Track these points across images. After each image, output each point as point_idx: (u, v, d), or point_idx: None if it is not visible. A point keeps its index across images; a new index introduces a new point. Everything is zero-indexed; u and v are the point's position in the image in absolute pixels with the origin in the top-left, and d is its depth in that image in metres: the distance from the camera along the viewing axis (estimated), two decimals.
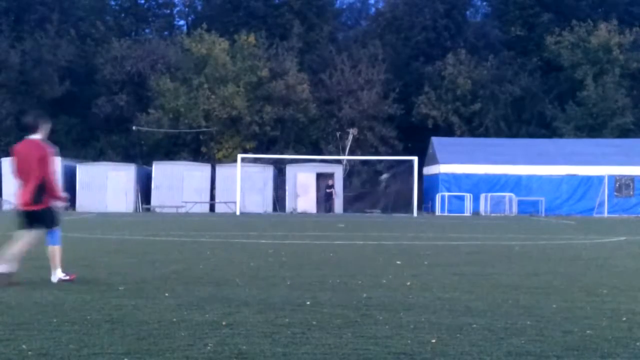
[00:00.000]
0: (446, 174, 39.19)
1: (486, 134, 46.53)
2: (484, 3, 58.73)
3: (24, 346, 5.39)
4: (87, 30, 49.48)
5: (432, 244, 16.13)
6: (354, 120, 45.06)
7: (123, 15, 51.41)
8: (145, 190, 40.00)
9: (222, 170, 39.99)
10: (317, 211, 39.42)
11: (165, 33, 52.51)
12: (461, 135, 46.44)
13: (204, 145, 44.83)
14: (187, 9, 57.58)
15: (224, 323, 6.32)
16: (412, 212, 37.10)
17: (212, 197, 40.25)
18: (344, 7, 62.05)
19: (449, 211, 37.91)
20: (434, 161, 40.59)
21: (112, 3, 53.52)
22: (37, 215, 8.65)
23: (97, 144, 46.54)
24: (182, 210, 38.47)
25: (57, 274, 8.83)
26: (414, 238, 18.41)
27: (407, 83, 48.05)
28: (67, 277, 8.85)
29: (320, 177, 40.38)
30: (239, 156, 38.20)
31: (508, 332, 6.06)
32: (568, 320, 6.66)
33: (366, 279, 9.43)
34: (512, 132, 47.03)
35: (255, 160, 41.14)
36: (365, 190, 43.41)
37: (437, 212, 38.35)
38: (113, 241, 16.42)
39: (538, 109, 47.94)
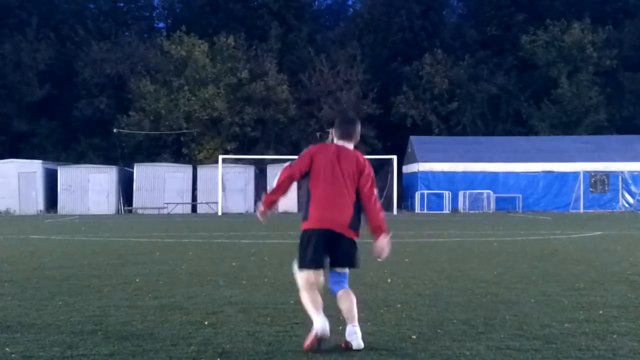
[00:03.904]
0: (425, 172, 39.43)
1: (463, 133, 46.87)
2: (460, 3, 59.10)
3: (7, 349, 5.40)
4: (67, 33, 49.14)
5: (412, 241, 16.25)
6: (334, 121, 45.14)
7: (102, 18, 51.09)
8: (127, 192, 39.86)
9: (203, 171, 39.95)
10: (299, 211, 39.48)
11: (145, 36, 52.27)
12: (439, 134, 46.74)
13: (185, 147, 44.75)
14: (166, 12, 57.41)
15: (206, 323, 6.37)
16: (392, 210, 37.27)
17: (194, 198, 40.19)
18: (322, 8, 62.17)
19: (428, 209, 38.14)
20: (413, 160, 40.82)
21: (92, 6, 53.16)
22: None
23: (78, 147, 46.29)
24: (164, 211, 38.38)
25: None
26: (394, 236, 18.49)
27: (386, 83, 48.25)
28: None
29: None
30: (220, 157, 38.17)
31: (487, 327, 6.15)
32: (546, 314, 6.77)
33: (348, 277, 9.49)
34: (489, 130, 47.40)
35: (236, 161, 41.11)
36: None
37: (417, 209, 38.55)
38: (96, 243, 16.37)
39: (514, 107, 48.35)
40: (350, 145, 5.82)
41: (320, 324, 5.38)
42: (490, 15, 51.35)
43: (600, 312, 6.89)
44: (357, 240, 5.68)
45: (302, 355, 5.19)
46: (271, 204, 5.71)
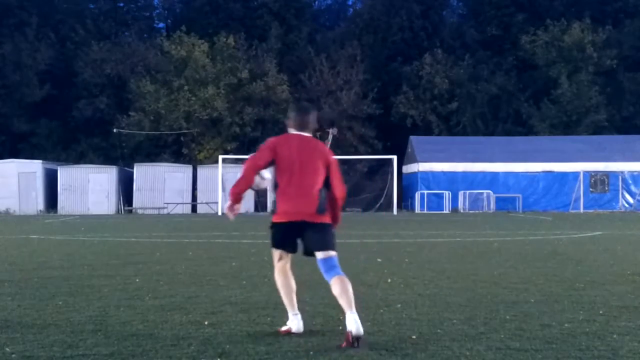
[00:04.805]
0: (425, 172, 39.46)
1: (463, 133, 46.89)
2: (460, 3, 59.12)
3: (7, 349, 5.40)
4: (67, 33, 49.19)
5: (412, 241, 16.25)
6: (334, 121, 45.19)
7: (102, 18, 51.14)
8: (127, 192, 39.89)
9: (203, 171, 39.98)
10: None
11: (145, 36, 52.31)
12: (439, 134, 46.76)
13: (185, 147, 44.78)
14: (166, 12, 57.47)
15: (206, 323, 6.37)
16: (392, 210, 37.28)
17: (194, 198, 40.21)
18: (322, 8, 62.20)
19: (428, 209, 38.16)
20: (413, 160, 40.85)
21: (92, 6, 53.22)
22: None
23: (78, 147, 46.33)
24: (164, 211, 38.40)
25: None
26: (394, 236, 18.52)
27: (386, 83, 48.26)
28: None
29: None
30: (220, 157, 38.19)
31: (488, 327, 6.15)
32: (546, 314, 6.77)
33: (347, 277, 9.49)
34: (489, 130, 47.43)
35: (236, 161, 41.13)
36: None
37: (417, 209, 38.57)
38: (96, 243, 16.38)
39: (514, 107, 48.38)
40: (308, 135, 5.95)
41: (295, 324, 5.88)
42: (490, 15, 51.36)
43: (600, 312, 6.89)
44: (330, 222, 5.83)
45: (302, 356, 5.19)
46: (237, 196, 5.84)
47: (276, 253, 5.94)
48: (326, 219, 5.78)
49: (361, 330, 5.39)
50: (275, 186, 5.84)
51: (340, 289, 5.59)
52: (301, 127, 5.94)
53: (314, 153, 5.83)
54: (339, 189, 5.88)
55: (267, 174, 5.90)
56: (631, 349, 5.40)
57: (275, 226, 5.83)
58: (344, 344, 5.44)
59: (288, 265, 5.95)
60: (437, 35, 51.20)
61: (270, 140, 5.96)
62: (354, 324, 5.39)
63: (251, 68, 45.48)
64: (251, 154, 6.02)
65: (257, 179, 5.86)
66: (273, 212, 5.89)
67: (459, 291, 8.24)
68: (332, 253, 5.73)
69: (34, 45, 46.62)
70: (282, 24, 50.12)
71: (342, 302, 5.55)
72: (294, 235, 5.80)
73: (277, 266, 5.96)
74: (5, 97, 45.92)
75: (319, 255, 5.72)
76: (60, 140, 46.94)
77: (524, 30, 48.91)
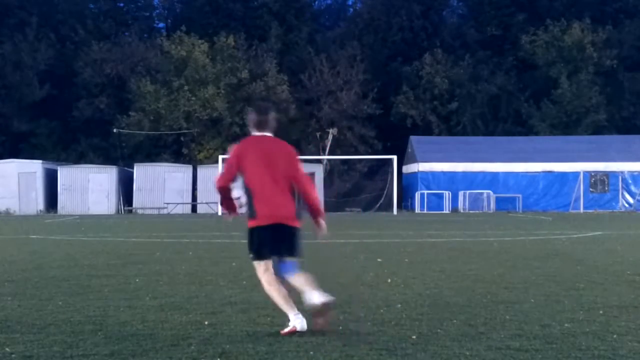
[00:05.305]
0: (425, 172, 39.46)
1: (463, 133, 46.91)
2: (460, 3, 59.15)
3: (7, 349, 5.40)
4: (67, 33, 49.22)
5: (412, 241, 16.25)
6: (334, 121, 45.22)
7: (102, 18, 51.17)
8: (127, 192, 39.90)
9: (203, 171, 39.98)
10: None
11: (145, 36, 52.34)
12: (439, 134, 46.78)
13: (185, 147, 44.79)
14: (166, 12, 57.52)
15: (206, 323, 6.37)
16: (392, 210, 37.28)
17: (194, 198, 40.22)
18: (322, 8, 62.21)
19: (428, 209, 38.16)
20: (413, 160, 40.85)
21: (92, 6, 53.26)
22: None
23: (78, 147, 46.37)
24: (164, 211, 38.41)
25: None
26: (394, 236, 18.52)
27: (386, 83, 48.27)
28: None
29: None
30: (220, 157, 38.19)
31: (488, 327, 6.15)
32: (546, 314, 6.77)
33: (347, 277, 9.50)
34: (489, 130, 47.45)
35: None
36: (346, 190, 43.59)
37: (417, 209, 38.57)
38: (96, 243, 16.38)
39: (514, 107, 48.41)
40: (269, 135, 5.95)
41: (298, 323, 5.78)
42: (490, 15, 51.39)
43: (600, 312, 6.89)
44: (300, 226, 5.91)
45: (302, 356, 5.19)
46: (227, 208, 6.02)
47: (260, 265, 5.86)
48: (299, 223, 5.85)
49: (329, 297, 5.49)
50: (247, 191, 5.81)
51: (305, 278, 5.75)
52: (260, 127, 5.90)
53: (279, 154, 5.84)
54: (307, 183, 5.90)
55: (236, 190, 5.94)
56: (631, 349, 5.40)
57: (254, 231, 5.79)
58: (317, 317, 5.49)
59: (273, 273, 5.90)
60: (437, 35, 51.23)
61: (234, 148, 5.92)
62: (317, 293, 5.53)
63: (251, 68, 45.50)
64: (220, 173, 6.08)
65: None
66: (251, 217, 5.81)
67: (459, 291, 8.24)
68: (297, 259, 5.86)
69: (34, 45, 46.63)
70: (282, 24, 50.15)
71: (304, 286, 5.68)
72: (271, 239, 5.78)
73: (264, 278, 5.86)
74: (5, 97, 45.94)
75: (286, 259, 5.82)
76: (60, 140, 46.97)
77: (524, 30, 48.93)
